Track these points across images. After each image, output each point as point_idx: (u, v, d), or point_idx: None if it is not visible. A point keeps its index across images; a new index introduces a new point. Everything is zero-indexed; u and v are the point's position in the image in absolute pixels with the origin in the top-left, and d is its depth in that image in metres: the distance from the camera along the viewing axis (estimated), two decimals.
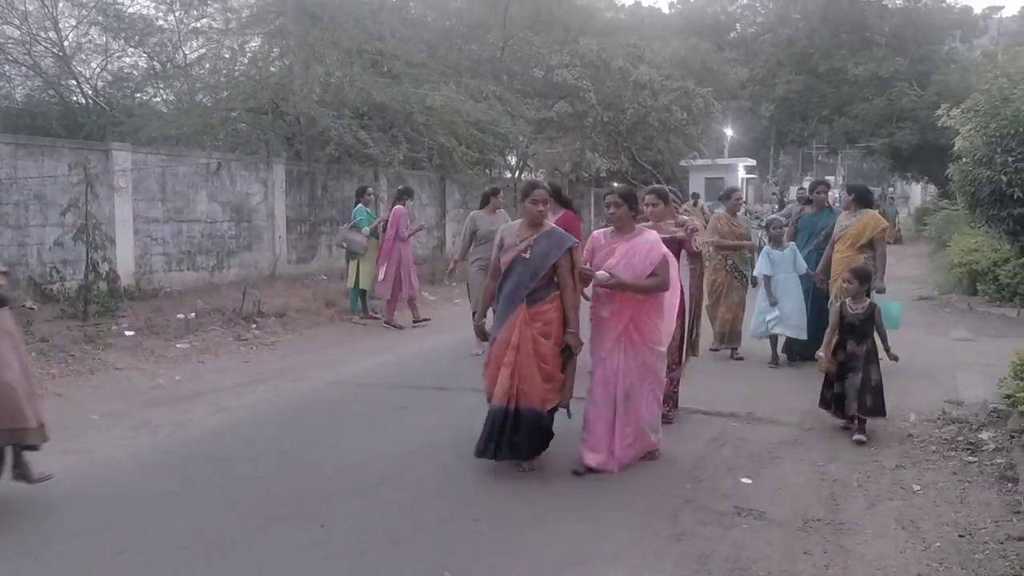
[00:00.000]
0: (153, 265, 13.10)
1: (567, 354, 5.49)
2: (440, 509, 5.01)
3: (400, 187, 12.64)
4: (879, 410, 6.45)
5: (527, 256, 5.46)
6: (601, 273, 5.41)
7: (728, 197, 10.23)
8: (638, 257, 5.50)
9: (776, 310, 9.08)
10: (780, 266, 9.07)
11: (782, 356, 9.33)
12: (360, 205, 12.32)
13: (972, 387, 7.81)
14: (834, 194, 32.72)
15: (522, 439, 5.42)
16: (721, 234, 9.77)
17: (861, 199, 8.88)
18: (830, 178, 58.49)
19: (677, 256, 6.33)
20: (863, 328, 6.56)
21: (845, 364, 6.55)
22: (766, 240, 14.46)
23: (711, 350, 9.67)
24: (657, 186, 6.97)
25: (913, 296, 14.57)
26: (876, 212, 8.93)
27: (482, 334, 6.05)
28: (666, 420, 6.36)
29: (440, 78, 18.40)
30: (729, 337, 9.73)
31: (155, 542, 4.52)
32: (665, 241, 6.05)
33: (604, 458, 5.57)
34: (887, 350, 6.62)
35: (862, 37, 34.42)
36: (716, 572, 4.22)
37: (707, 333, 9.11)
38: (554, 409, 5.52)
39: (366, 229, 11.89)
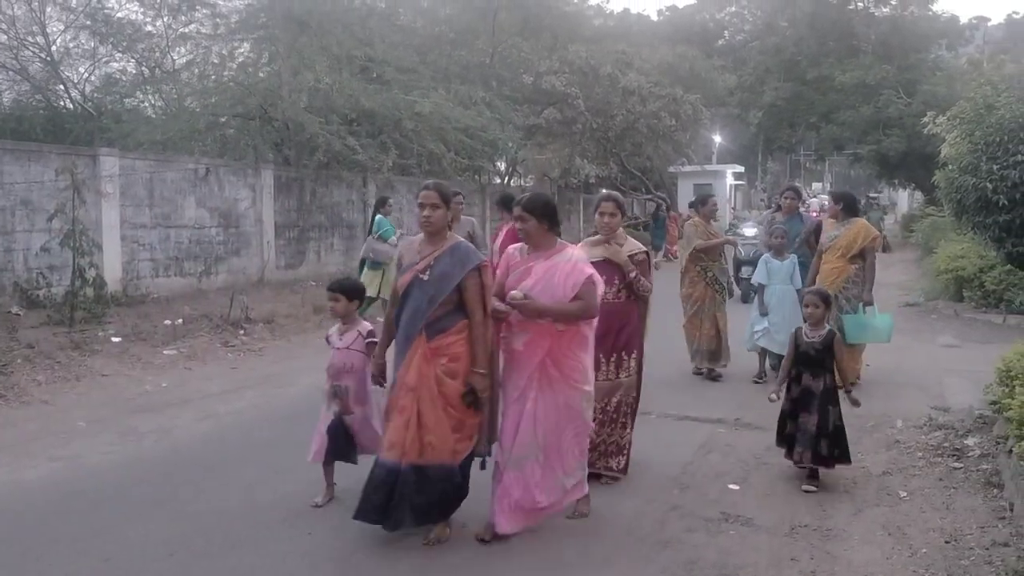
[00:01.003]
0: (140, 271, 13.05)
1: (468, 400, 4.43)
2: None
3: (377, 197, 12.68)
4: (840, 457, 5.56)
5: (425, 277, 4.46)
6: (515, 292, 4.49)
7: (704, 203, 9.47)
8: (558, 279, 4.54)
9: (765, 322, 8.58)
10: (777, 276, 8.56)
11: (770, 372, 8.61)
12: (380, 216, 12.33)
13: (958, 393, 7.86)
14: (821, 201, 32.98)
15: (429, 501, 4.45)
16: (708, 248, 9.00)
17: (850, 208, 8.47)
18: (817, 184, 58.74)
19: (621, 281, 5.54)
20: (820, 359, 5.63)
21: (799, 401, 5.65)
22: (741, 251, 13.87)
23: (695, 374, 9.00)
24: (614, 193, 5.96)
25: (900, 302, 14.65)
26: (866, 221, 8.67)
27: (379, 375, 4.90)
28: (613, 476, 5.56)
29: (429, 84, 18.41)
30: (713, 356, 8.95)
31: (141, 550, 4.50)
32: (606, 265, 5.39)
33: (518, 519, 4.62)
34: (847, 390, 5.71)
35: (849, 45, 34.64)
36: None
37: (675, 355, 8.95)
38: (469, 458, 4.57)
39: (392, 239, 11.89)
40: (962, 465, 5.88)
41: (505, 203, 8.48)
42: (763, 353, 8.84)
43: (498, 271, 4.85)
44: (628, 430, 5.67)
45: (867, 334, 8.09)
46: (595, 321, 4.73)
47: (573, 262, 4.61)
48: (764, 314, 8.64)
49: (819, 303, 5.75)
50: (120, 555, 4.44)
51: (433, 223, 4.53)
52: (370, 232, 12.37)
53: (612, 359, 5.52)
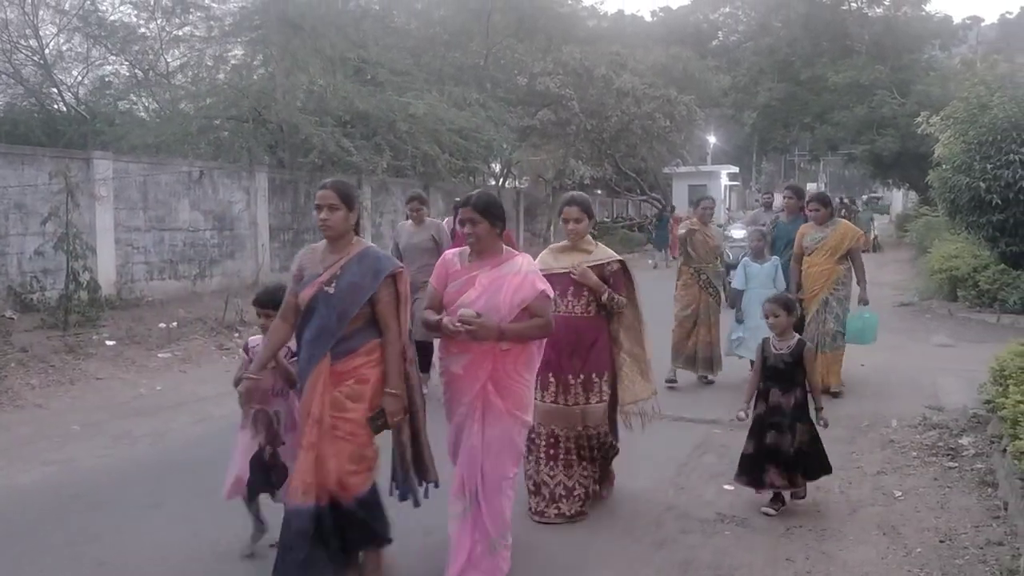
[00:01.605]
0: (135, 274, 13.02)
1: (377, 424, 3.84)
2: (423, 519, 4.98)
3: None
4: (816, 471, 5.12)
5: (331, 290, 3.83)
6: (466, 310, 3.88)
7: (697, 204, 9.09)
8: (505, 293, 3.97)
9: (741, 329, 8.30)
10: (756, 280, 8.23)
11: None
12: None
13: (952, 393, 7.88)
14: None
15: (354, 535, 3.94)
16: (693, 245, 8.69)
17: (832, 211, 8.33)
18: (812, 185, 58.89)
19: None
20: (790, 373, 5.11)
21: (766, 419, 5.11)
22: (729, 255, 13.08)
23: (668, 384, 8.37)
24: (578, 194, 5.25)
25: (894, 302, 14.68)
26: (848, 222, 8.58)
27: (247, 400, 4.25)
28: (579, 519, 4.92)
29: (423, 86, 18.42)
30: (705, 363, 8.62)
31: (135, 553, 4.49)
32: (552, 278, 4.61)
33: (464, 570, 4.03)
34: (818, 407, 5.15)
35: (843, 45, 34.72)
36: None
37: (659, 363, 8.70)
38: (376, 493, 3.97)
39: None
40: (956, 464, 5.90)
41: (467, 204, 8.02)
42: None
43: (432, 280, 4.21)
44: (594, 468, 5.03)
45: (867, 334, 8.07)
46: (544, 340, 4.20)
47: (523, 274, 4.03)
48: (739, 320, 8.35)
49: (779, 311, 5.22)
50: (115, 559, 4.43)
51: (332, 227, 3.91)
52: None
53: (580, 380, 4.93)
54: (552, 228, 26.52)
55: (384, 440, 3.97)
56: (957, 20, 40.13)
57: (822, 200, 8.33)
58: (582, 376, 4.93)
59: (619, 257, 5.09)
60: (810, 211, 8.25)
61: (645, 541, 4.69)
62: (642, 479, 5.70)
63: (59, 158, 11.89)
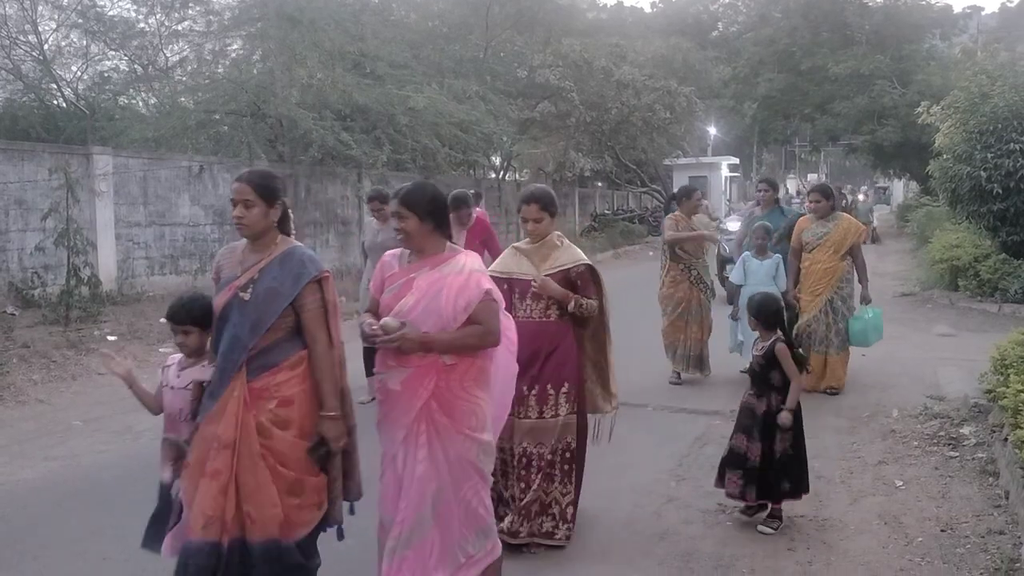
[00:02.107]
0: (135, 269, 13.03)
1: (318, 454, 3.38)
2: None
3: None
4: (792, 492, 4.70)
5: (246, 296, 3.34)
6: (389, 320, 3.42)
7: (688, 196, 8.58)
8: (446, 296, 3.50)
9: (739, 329, 7.99)
10: (755, 277, 7.84)
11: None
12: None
13: (953, 382, 7.88)
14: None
15: None
16: (679, 239, 8.32)
17: (834, 204, 8.04)
18: (813, 176, 58.70)
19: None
20: (763, 375, 4.78)
21: (739, 417, 4.89)
22: (725, 248, 12.64)
23: (672, 384, 8.31)
24: (538, 189, 4.70)
25: (895, 292, 14.67)
26: (850, 216, 8.27)
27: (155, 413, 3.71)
28: (555, 542, 4.47)
29: (423, 79, 18.39)
30: (695, 362, 8.33)
31: (138, 549, 4.49)
32: (512, 281, 4.52)
33: None
34: (788, 407, 4.65)
35: (843, 35, 34.59)
36: (700, 570, 4.24)
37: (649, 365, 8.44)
38: (319, 529, 3.51)
39: None
40: (958, 454, 5.90)
41: (456, 202, 6.93)
42: None
43: (371, 283, 3.80)
44: (568, 486, 4.52)
45: (871, 336, 7.68)
46: (496, 351, 3.68)
47: (466, 274, 3.54)
48: (735, 318, 8.08)
49: (757, 325, 4.94)
50: (118, 554, 4.44)
51: (247, 225, 3.41)
52: None
53: (534, 393, 4.45)
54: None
55: None
56: (958, 9, 40.34)
57: (823, 191, 8.05)
58: (536, 388, 4.45)
59: (586, 261, 4.58)
60: (811, 203, 7.94)
61: (646, 533, 4.71)
62: (643, 470, 5.71)
63: (59, 154, 11.89)
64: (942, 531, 4.62)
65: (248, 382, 3.31)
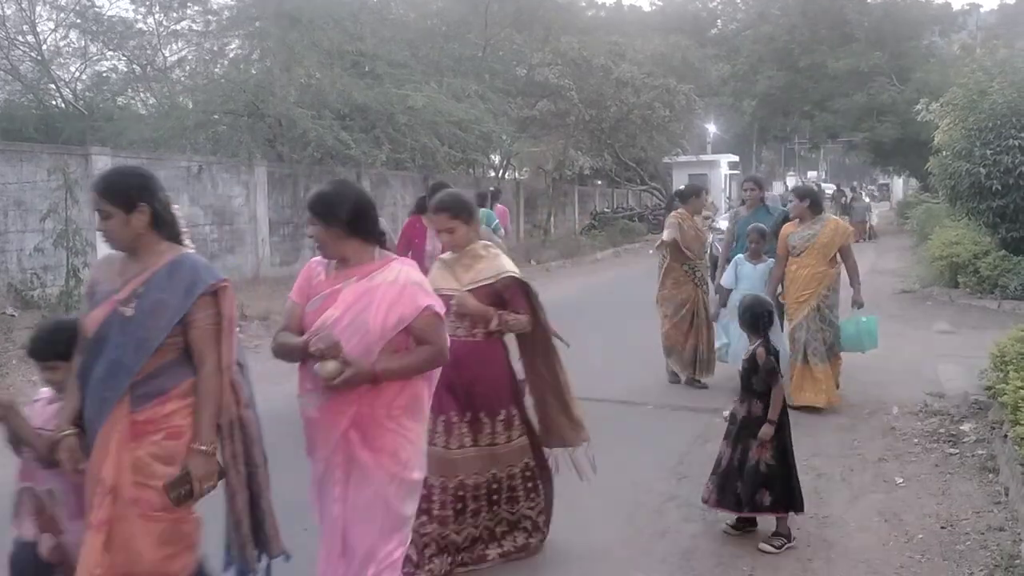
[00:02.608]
0: None
1: (177, 494, 2.82)
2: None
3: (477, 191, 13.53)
4: (783, 504, 4.44)
5: (129, 312, 2.82)
6: (326, 334, 2.99)
7: (696, 195, 8.34)
8: (376, 309, 3.04)
9: (723, 332, 7.80)
10: (746, 282, 7.42)
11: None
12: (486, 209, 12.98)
13: (953, 379, 7.87)
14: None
15: None
16: (686, 240, 8.01)
17: (816, 205, 7.45)
18: (812, 173, 58.62)
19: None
20: (746, 380, 4.61)
21: (725, 431, 4.74)
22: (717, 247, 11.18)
23: (672, 382, 8.18)
24: (449, 195, 4.16)
25: (895, 289, 14.68)
26: (837, 218, 7.78)
27: (46, 454, 2.92)
28: (530, 553, 4.29)
29: (422, 78, 18.38)
30: (705, 366, 8.08)
31: None
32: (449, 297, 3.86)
33: None
34: (769, 420, 4.42)
35: (842, 32, 34.60)
36: (701, 568, 4.24)
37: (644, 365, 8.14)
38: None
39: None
40: (958, 451, 5.91)
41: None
42: None
43: (293, 292, 3.28)
44: (536, 499, 4.28)
45: (865, 341, 7.23)
46: (435, 372, 3.26)
47: (400, 285, 3.08)
48: (714, 318, 7.90)
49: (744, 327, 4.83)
50: None
51: (112, 238, 2.93)
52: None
53: (466, 421, 4.04)
54: (552, 219, 26.52)
55: (213, 504, 3.07)
56: (957, 6, 40.03)
57: (800, 193, 7.65)
58: (468, 415, 4.02)
59: (511, 272, 4.07)
60: (793, 208, 7.38)
61: (647, 531, 4.71)
62: (644, 468, 5.71)
63: (57, 154, 11.89)
64: (942, 528, 4.62)
65: (131, 413, 2.81)
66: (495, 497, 4.13)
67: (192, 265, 2.94)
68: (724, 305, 7.71)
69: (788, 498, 4.43)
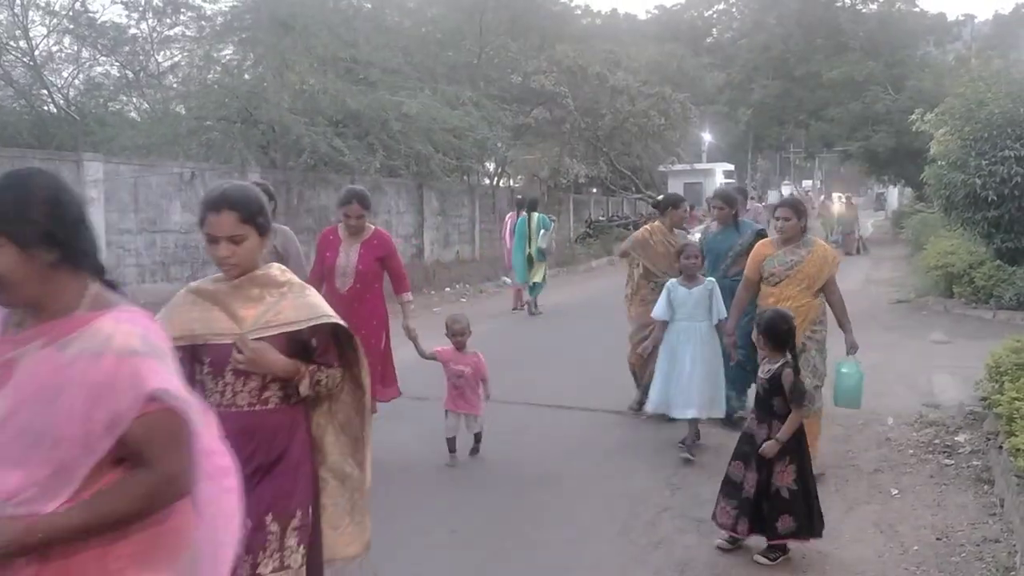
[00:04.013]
0: (126, 277, 12.92)
1: None
2: (417, 520, 4.95)
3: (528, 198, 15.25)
4: (800, 532, 4.27)
5: None
6: None
7: (675, 206, 7.45)
8: (67, 401, 1.77)
9: (660, 376, 6.23)
10: (684, 309, 6.15)
11: (693, 440, 6.23)
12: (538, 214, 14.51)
13: (948, 390, 7.84)
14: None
15: None
16: (651, 257, 7.23)
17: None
18: (807, 182, 58.62)
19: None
20: (766, 400, 4.41)
21: (739, 443, 4.51)
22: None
23: (633, 410, 7.33)
24: (240, 187, 2.95)
25: (890, 299, 14.66)
26: (825, 243, 6.15)
27: None
28: None
29: (416, 85, 18.34)
30: None
31: None
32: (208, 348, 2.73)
33: None
34: (778, 438, 4.27)
35: (837, 42, 34.78)
36: None
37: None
38: None
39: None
40: (953, 462, 5.87)
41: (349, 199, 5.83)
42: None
43: None
44: None
45: (859, 394, 5.83)
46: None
47: (113, 358, 1.80)
48: (642, 353, 6.71)
49: (767, 333, 4.48)
50: None
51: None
52: (521, 230, 14.21)
53: (248, 527, 2.43)
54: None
55: None
56: (951, 17, 40.23)
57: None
58: (249, 522, 2.46)
59: (330, 314, 2.81)
60: (776, 219, 5.95)
61: (641, 542, 4.65)
62: (637, 479, 5.66)
63: (49, 160, 11.83)
64: (938, 539, 4.58)
65: None
66: None
67: None
68: (658, 344, 6.29)
69: (809, 523, 4.29)
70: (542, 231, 14.13)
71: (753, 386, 5.19)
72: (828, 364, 5.75)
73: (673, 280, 6.28)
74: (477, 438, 6.28)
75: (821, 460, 5.70)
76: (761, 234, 6.84)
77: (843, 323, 5.77)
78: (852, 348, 5.70)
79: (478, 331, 6.72)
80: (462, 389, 6.10)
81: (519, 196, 16.48)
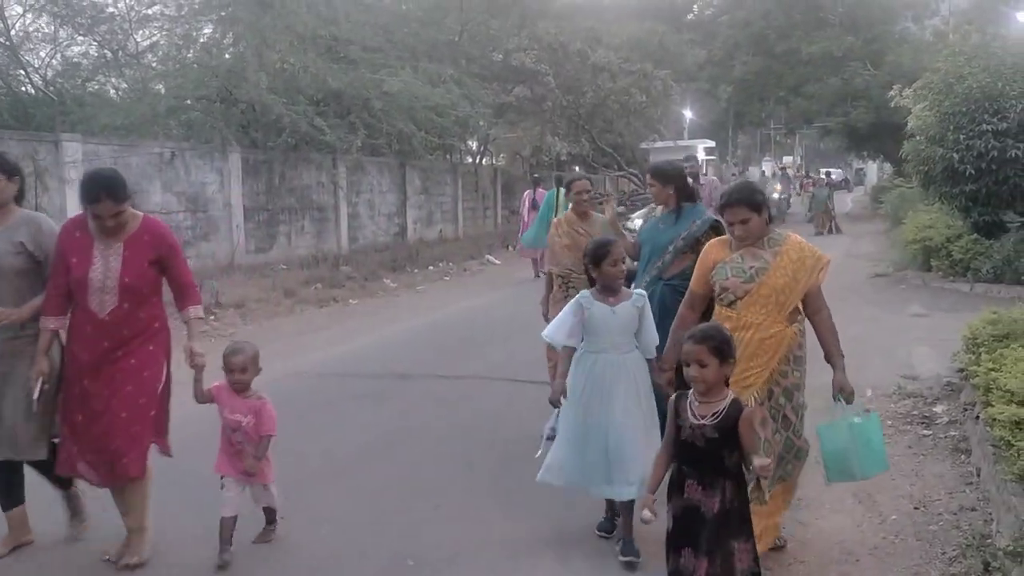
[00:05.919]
0: None
1: None
2: (402, 497, 5.00)
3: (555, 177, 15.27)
4: None
5: None
6: None
7: (568, 188, 6.37)
8: None
9: (568, 436, 4.26)
10: (604, 336, 4.20)
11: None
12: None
13: (926, 362, 7.94)
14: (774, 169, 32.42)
15: None
16: (553, 250, 6.15)
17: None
18: (788, 158, 58.66)
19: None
20: (713, 454, 3.18)
21: (679, 525, 3.26)
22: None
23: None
24: None
25: (869, 273, 14.78)
26: (801, 238, 4.12)
27: None
28: None
29: (397, 63, 18.26)
30: None
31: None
32: None
33: None
34: (748, 465, 3.16)
35: (816, 17, 34.80)
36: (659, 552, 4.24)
37: None
38: None
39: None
40: (931, 432, 5.96)
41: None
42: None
43: None
44: None
45: (864, 460, 4.12)
46: None
47: None
48: (553, 402, 4.20)
49: (707, 358, 3.16)
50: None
51: None
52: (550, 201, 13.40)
53: None
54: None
55: None
56: None
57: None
58: None
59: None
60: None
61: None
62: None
63: (27, 141, 11.71)
64: (915, 509, 4.67)
65: None
66: None
67: None
68: (564, 375, 4.21)
69: None
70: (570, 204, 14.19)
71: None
72: (807, 423, 4.26)
73: (587, 293, 4.28)
74: (269, 516, 4.44)
75: None
76: (716, 227, 4.94)
77: (833, 356, 4.16)
78: (843, 390, 4.13)
79: (498, 297, 6.53)
80: (240, 446, 4.29)
81: (536, 175, 19.10)
